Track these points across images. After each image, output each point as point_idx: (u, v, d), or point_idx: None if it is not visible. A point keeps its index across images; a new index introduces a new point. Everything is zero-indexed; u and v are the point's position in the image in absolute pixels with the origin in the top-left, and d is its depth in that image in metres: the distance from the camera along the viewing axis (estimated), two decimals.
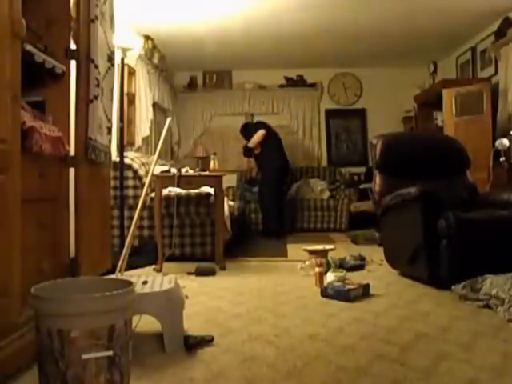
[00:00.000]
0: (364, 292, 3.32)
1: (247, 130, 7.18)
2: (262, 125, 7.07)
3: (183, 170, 4.58)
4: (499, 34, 5.88)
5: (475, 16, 6.04)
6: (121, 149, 4.72)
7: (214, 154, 5.13)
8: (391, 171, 4.24)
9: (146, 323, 2.37)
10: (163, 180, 4.50)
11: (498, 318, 2.72)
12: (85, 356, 1.50)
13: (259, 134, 6.87)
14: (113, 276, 2.80)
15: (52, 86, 2.61)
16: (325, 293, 3.31)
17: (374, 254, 4.85)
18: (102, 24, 2.94)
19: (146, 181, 3.38)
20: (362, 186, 7.14)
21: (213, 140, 8.73)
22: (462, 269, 3.35)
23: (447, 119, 6.22)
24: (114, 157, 4.68)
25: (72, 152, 2.68)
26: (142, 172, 5.10)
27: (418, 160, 4.29)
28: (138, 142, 6.39)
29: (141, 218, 4.79)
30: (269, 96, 8.72)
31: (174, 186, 4.52)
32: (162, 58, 7.28)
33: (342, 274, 3.62)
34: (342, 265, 4.25)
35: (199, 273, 4.15)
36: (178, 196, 4.83)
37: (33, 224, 2.22)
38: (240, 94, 8.75)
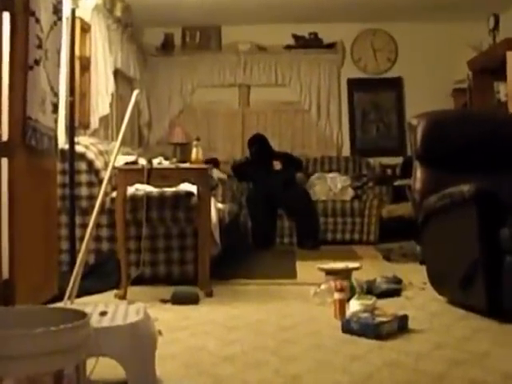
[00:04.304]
0: (400, 326, 3.32)
1: (264, 149, 7.86)
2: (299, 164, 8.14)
3: (155, 162, 4.57)
4: None
5: None
6: (71, 132, 4.71)
7: (197, 139, 5.11)
8: (437, 163, 4.24)
9: (105, 368, 2.37)
10: (128, 174, 4.48)
11: None
12: None
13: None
14: (61, 304, 2.80)
15: None
16: (347, 327, 3.31)
17: (414, 274, 4.85)
18: None
19: (106, 176, 3.38)
20: (397, 183, 7.15)
21: (196, 121, 8.76)
22: None
23: None
24: (62, 143, 4.67)
25: (5, 136, 2.68)
26: (99, 164, 5.09)
27: (474, 148, 4.29)
28: (95, 122, 6.39)
29: (98, 225, 4.78)
30: (271, 61, 8.75)
31: (142, 183, 4.52)
32: (127, 10, 7.27)
33: (370, 302, 3.61)
34: (370, 289, 4.25)
35: (177, 300, 4.15)
36: (149, 196, 4.82)
37: None
38: (232, 59, 8.77)
